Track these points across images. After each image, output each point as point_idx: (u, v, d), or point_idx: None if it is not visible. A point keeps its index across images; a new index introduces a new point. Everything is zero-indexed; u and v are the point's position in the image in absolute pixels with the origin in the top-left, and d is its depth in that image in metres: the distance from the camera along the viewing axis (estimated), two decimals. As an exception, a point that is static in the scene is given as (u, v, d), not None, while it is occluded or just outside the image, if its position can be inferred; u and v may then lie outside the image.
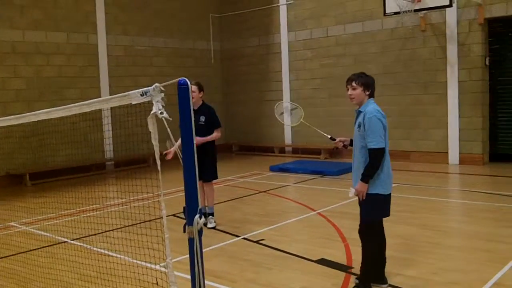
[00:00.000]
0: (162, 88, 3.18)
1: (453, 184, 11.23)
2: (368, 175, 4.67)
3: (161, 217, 7.58)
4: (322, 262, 5.80)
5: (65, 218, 8.45)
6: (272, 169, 13.09)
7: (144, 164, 14.61)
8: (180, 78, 3.03)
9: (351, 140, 5.13)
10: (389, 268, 5.38)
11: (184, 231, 3.24)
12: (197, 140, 6.78)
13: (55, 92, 13.35)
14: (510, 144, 12.67)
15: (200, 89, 7.41)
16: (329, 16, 15.01)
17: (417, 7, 11.61)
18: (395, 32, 13.65)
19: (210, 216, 7.60)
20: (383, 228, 5.04)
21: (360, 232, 5.02)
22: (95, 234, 7.18)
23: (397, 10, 11.82)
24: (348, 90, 4.86)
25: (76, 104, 3.86)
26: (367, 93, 4.79)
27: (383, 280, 5.00)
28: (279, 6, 16.14)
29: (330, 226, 7.43)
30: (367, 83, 4.79)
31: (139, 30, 15.36)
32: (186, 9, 16.61)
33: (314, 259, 5.90)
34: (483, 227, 7.19)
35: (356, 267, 5.51)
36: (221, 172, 8.10)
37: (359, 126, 4.76)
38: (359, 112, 4.83)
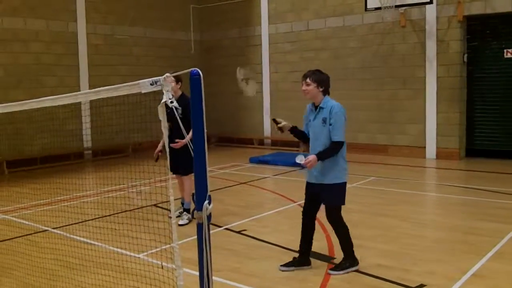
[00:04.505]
0: (173, 78, 3.23)
1: (430, 178, 11.44)
2: (324, 157, 5.03)
3: (142, 207, 7.58)
4: (304, 252, 5.86)
5: (44, 207, 8.36)
6: (252, 161, 13.13)
7: (122, 154, 14.54)
8: (192, 69, 3.06)
9: (293, 127, 5.42)
10: (368, 259, 5.51)
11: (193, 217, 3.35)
12: (178, 144, 6.74)
13: (33, 80, 13.14)
14: (485, 140, 12.94)
15: (177, 79, 7.07)
16: (310, 9, 15.05)
17: (398, 3, 11.76)
18: (375, 27, 13.76)
19: (185, 212, 7.35)
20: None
21: (329, 218, 5.29)
22: (76, 223, 7.14)
23: (378, 5, 11.95)
24: (302, 85, 5.19)
25: (82, 91, 3.88)
26: (321, 89, 5.14)
27: (308, 262, 5.42)
28: (260, -2, 16.14)
29: (311, 218, 7.49)
30: (321, 80, 5.15)
31: (118, 19, 15.20)
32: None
33: (296, 249, 5.96)
34: (460, 220, 7.36)
35: (338, 257, 5.60)
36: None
37: (324, 121, 5.09)
38: (320, 108, 5.13)
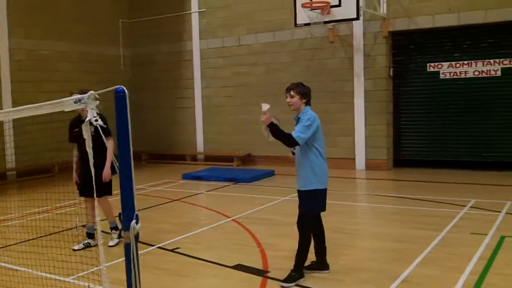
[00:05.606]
0: (97, 96, 3.16)
1: (361, 188, 11.72)
2: (274, 129, 5.07)
3: (69, 228, 7.26)
4: (239, 267, 5.82)
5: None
6: (185, 177, 12.97)
7: (48, 174, 13.97)
8: (117, 86, 2.99)
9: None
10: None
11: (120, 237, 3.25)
12: (105, 175, 6.50)
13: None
14: (412, 150, 13.44)
15: None
16: (241, 25, 15.16)
17: (326, 19, 12.01)
18: (305, 42, 14.05)
19: (113, 230, 7.02)
20: (321, 220, 5.54)
21: (297, 224, 5.41)
22: (-2, 248, 6.75)
23: (307, 21, 12.15)
24: (286, 97, 5.32)
25: (2, 110, 3.69)
26: (304, 101, 5.29)
27: (326, 266, 5.55)
28: (191, 13, 16.09)
29: (245, 232, 7.47)
30: (303, 92, 5.31)
31: (43, 33, 14.69)
32: (94, 13, 16.09)
33: (231, 265, 5.91)
34: (390, 228, 7.56)
35: (272, 271, 5.60)
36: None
37: None
38: (298, 119, 5.27)
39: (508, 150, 12.29)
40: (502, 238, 6.60)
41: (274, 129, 5.08)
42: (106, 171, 6.58)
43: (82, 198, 6.95)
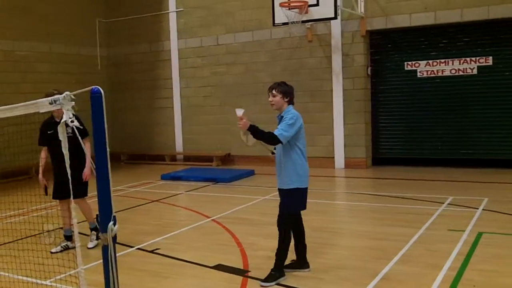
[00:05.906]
0: (73, 97, 3.12)
1: (340, 187, 11.78)
2: (255, 131, 5.05)
3: (47, 231, 7.16)
4: (219, 267, 5.79)
5: None
6: (164, 177, 12.89)
7: (25, 176, 13.77)
8: (93, 87, 2.96)
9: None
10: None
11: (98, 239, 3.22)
12: (86, 174, 6.44)
13: None
14: (390, 149, 13.56)
15: None
16: (219, 24, 15.12)
17: (304, 19, 12.05)
18: (283, 42, 14.07)
19: (93, 232, 6.91)
20: (301, 219, 5.59)
21: (277, 223, 5.42)
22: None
23: (286, 20, 12.18)
24: (269, 96, 5.33)
25: None
26: (286, 100, 5.29)
27: (306, 265, 5.57)
28: (168, 13, 16.00)
29: (225, 232, 7.45)
30: (286, 91, 5.30)
31: (19, 34, 14.47)
32: (70, 14, 15.89)
33: (211, 265, 5.88)
34: (370, 226, 7.61)
35: (253, 270, 5.59)
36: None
37: None
38: (281, 117, 5.27)
39: (485, 147, 12.48)
40: (480, 234, 6.69)
41: (254, 130, 5.05)
42: (87, 170, 6.49)
43: (57, 201, 6.85)
